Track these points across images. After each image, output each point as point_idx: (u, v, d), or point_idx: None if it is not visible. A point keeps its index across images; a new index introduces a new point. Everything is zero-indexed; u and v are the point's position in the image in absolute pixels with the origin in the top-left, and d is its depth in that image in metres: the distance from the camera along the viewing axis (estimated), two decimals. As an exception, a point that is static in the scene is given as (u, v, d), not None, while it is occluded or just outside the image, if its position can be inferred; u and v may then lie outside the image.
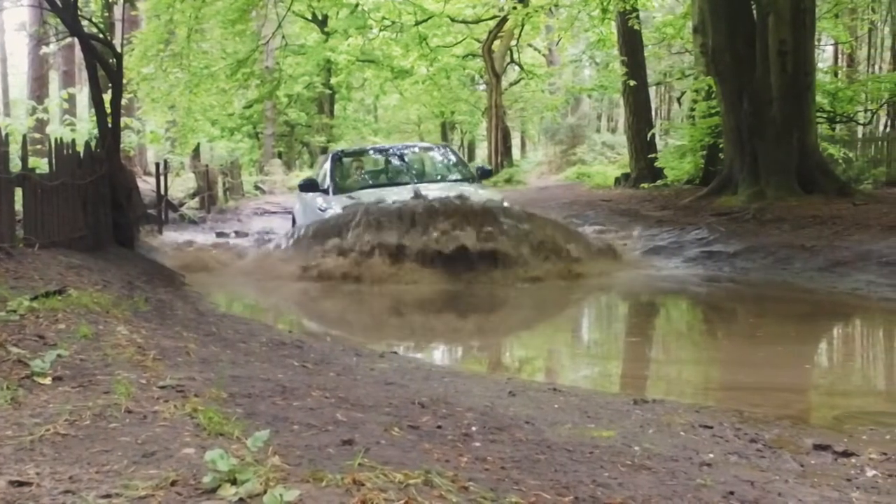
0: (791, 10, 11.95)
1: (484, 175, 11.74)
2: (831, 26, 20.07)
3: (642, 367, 5.43)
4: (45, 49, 18.99)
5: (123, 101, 10.61)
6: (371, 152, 13.73)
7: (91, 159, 8.32)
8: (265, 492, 1.71)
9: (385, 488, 1.81)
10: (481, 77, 32.23)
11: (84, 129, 16.17)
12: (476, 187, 10.35)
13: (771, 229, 10.10)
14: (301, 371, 3.80)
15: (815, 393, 4.52)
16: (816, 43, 16.86)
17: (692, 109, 18.28)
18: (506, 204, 9.91)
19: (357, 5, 25.71)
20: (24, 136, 7.56)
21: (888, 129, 20.26)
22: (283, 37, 22.97)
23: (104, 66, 9.64)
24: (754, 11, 12.71)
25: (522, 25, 24.10)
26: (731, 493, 2.24)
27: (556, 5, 21.65)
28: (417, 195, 9.43)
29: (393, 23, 25.66)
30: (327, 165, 11.31)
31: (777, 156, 11.96)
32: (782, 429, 3.31)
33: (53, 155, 7.42)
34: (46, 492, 1.75)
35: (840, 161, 15.80)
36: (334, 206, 9.97)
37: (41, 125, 16.88)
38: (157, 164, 16.12)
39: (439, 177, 11.32)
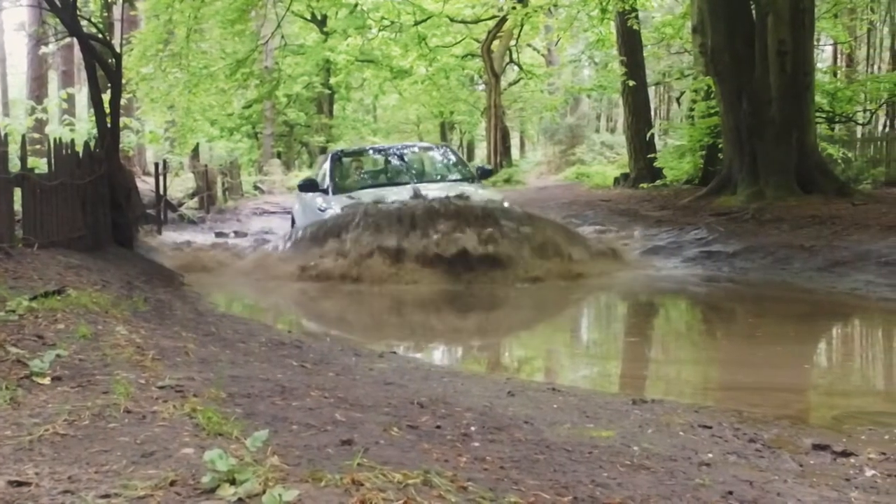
0: (790, 10, 11.96)
1: (484, 175, 11.70)
2: (830, 26, 20.08)
3: (641, 367, 5.43)
4: (44, 49, 18.97)
5: (122, 101, 10.60)
6: (371, 152, 13.72)
7: (90, 159, 8.31)
8: (264, 492, 1.71)
9: (384, 488, 1.81)
10: (480, 77, 32.23)
11: (83, 129, 16.15)
12: (476, 187, 10.32)
13: (770, 229, 10.10)
14: (300, 371, 3.80)
15: (814, 393, 4.52)
16: (815, 43, 16.86)
17: (691, 109, 18.28)
18: (506, 204, 9.89)
19: (356, 5, 25.71)
20: (23, 136, 7.56)
21: (887, 129, 20.29)
22: (283, 37, 22.96)
23: (103, 66, 9.64)
24: (753, 11, 12.72)
25: (521, 25, 24.10)
26: (730, 492, 2.24)
27: (555, 5, 21.65)
28: (417, 194, 9.40)
29: (392, 23, 25.65)
30: (327, 165, 11.27)
31: (776, 156, 11.97)
32: (781, 429, 3.31)
33: (52, 155, 7.41)
34: (45, 492, 1.75)
35: (839, 161, 15.82)
36: (334, 205, 9.92)
37: (40, 125, 16.87)
38: (157, 164, 16.12)
39: (439, 177, 11.28)
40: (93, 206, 8.20)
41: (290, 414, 2.66)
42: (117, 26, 15.25)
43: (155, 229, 13.52)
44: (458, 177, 11.10)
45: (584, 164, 26.64)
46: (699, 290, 8.51)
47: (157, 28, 18.20)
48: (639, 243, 10.71)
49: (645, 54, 20.80)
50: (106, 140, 8.94)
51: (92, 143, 8.82)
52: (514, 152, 33.91)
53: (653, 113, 24.76)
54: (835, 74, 20.95)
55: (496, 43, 26.69)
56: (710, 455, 2.76)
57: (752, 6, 12.76)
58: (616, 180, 20.02)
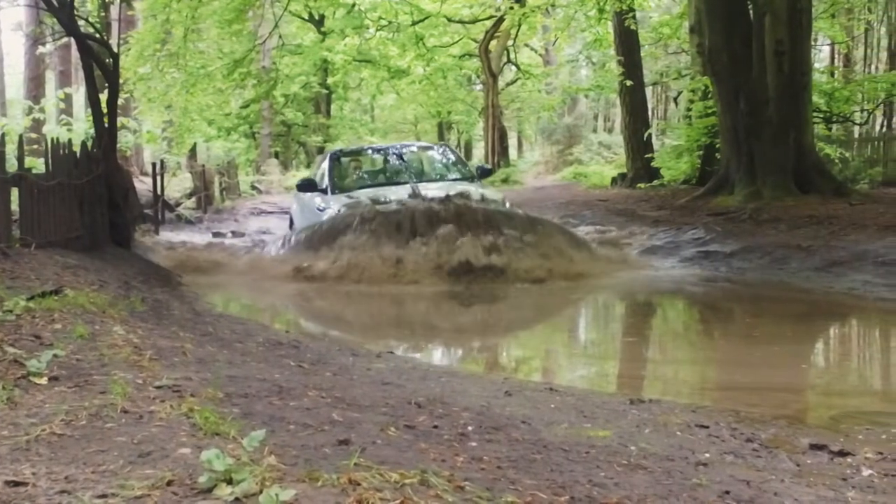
0: (787, 10, 11.97)
1: (484, 174, 11.64)
2: (828, 26, 20.11)
3: (639, 367, 5.43)
4: (41, 49, 18.95)
5: (120, 101, 10.58)
6: (369, 151, 13.69)
7: (87, 159, 8.30)
8: (261, 491, 1.71)
9: (381, 488, 1.81)
10: (478, 77, 32.24)
11: (80, 128, 16.15)
12: (476, 186, 10.26)
13: (767, 229, 10.11)
14: (297, 371, 3.80)
15: (812, 393, 4.53)
16: (813, 43, 16.91)
17: (689, 109, 18.30)
18: (507, 203, 9.85)
19: (354, 5, 25.72)
20: (21, 136, 7.57)
21: (884, 129, 20.32)
22: (280, 37, 22.96)
23: (101, 66, 9.62)
24: (751, 11, 12.73)
25: (519, 25, 24.10)
26: (727, 492, 2.24)
27: (552, 5, 21.68)
28: (415, 194, 9.35)
29: (389, 23, 25.65)
30: (325, 165, 11.20)
31: (773, 156, 11.98)
32: (778, 428, 3.31)
33: (50, 155, 7.40)
34: (42, 492, 1.75)
35: (836, 161, 15.85)
36: (333, 205, 9.84)
37: (38, 125, 16.87)
38: (154, 164, 16.09)
39: (439, 176, 11.21)
40: (90, 206, 8.19)
41: (287, 414, 2.66)
42: (114, 26, 15.24)
43: (152, 229, 13.51)
44: (458, 176, 11.03)
45: (581, 164, 26.65)
46: (697, 289, 8.51)
47: (154, 28, 18.20)
48: (638, 241, 10.70)
49: (642, 54, 20.81)
50: (103, 140, 8.93)
51: (89, 143, 8.81)
52: (512, 152, 33.91)
53: (650, 113, 24.79)
54: (832, 74, 20.96)
55: (494, 43, 26.70)
56: (707, 455, 2.76)
57: (750, 6, 12.77)
58: (613, 180, 20.03)
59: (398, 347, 5.63)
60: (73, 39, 10.36)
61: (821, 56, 25.31)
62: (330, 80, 31.06)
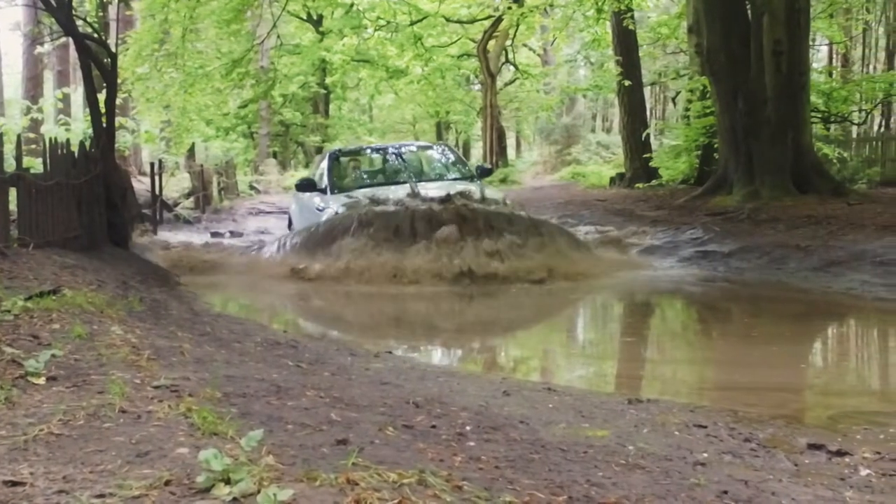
0: (786, 10, 11.98)
1: (484, 173, 11.56)
2: (826, 26, 20.13)
3: (637, 367, 5.43)
4: (39, 49, 18.93)
5: (118, 101, 10.57)
6: (369, 151, 13.67)
7: (86, 159, 8.30)
8: (259, 491, 1.71)
9: (379, 488, 1.81)
10: (476, 77, 32.24)
11: (79, 128, 16.13)
12: (477, 186, 10.23)
13: (766, 229, 10.12)
14: (296, 371, 3.80)
15: (810, 392, 4.53)
16: (811, 43, 16.92)
17: (687, 109, 18.31)
18: (508, 202, 9.82)
19: (352, 5, 25.72)
20: (19, 136, 7.55)
21: (882, 129, 20.34)
22: (278, 36, 22.99)
23: (99, 66, 9.62)
24: (749, 11, 12.74)
25: (517, 25, 24.10)
26: (725, 492, 2.25)
27: (550, 5, 21.67)
28: (414, 193, 9.32)
29: (388, 23, 25.67)
30: (324, 164, 11.15)
31: (772, 156, 11.99)
32: (776, 428, 3.31)
33: (48, 155, 7.40)
34: (40, 492, 1.75)
35: (835, 161, 15.87)
36: (332, 205, 9.80)
37: (36, 125, 16.83)
38: (152, 164, 16.09)
39: (438, 175, 11.17)
40: (88, 205, 8.18)
41: (285, 413, 2.66)
42: (113, 26, 15.25)
43: (150, 229, 13.50)
44: (458, 175, 10.99)
45: (579, 164, 26.67)
46: (695, 289, 8.51)
47: (152, 28, 18.20)
48: (638, 241, 10.70)
49: (641, 54, 20.84)
50: (101, 140, 8.92)
51: (87, 143, 8.81)
52: (510, 152, 33.94)
53: (648, 113, 24.82)
54: (830, 74, 20.99)
55: (492, 43, 26.70)
56: (706, 454, 2.76)
57: (748, 6, 12.78)
58: (612, 180, 20.04)
59: (397, 347, 5.63)
60: (71, 39, 10.35)
61: (819, 56, 25.35)
62: (328, 80, 31.06)
